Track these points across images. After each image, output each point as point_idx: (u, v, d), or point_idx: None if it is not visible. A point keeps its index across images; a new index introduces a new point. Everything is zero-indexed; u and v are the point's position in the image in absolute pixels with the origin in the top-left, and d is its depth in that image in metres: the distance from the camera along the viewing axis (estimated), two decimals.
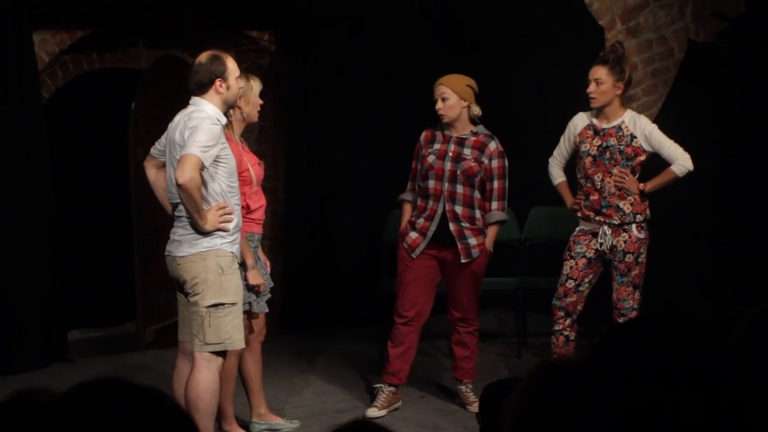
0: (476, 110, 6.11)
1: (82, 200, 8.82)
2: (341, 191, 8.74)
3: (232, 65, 5.19)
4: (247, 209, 5.52)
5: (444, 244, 6.11)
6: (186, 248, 5.07)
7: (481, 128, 6.18)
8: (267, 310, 5.77)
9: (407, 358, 6.24)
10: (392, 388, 6.27)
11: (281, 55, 8.84)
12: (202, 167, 4.93)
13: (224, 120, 5.16)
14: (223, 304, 5.05)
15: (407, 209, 6.30)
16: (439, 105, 6.09)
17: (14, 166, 7.32)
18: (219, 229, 5.05)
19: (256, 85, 5.69)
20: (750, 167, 7.09)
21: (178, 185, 4.89)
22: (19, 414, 1.49)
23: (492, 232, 6.17)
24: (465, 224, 6.09)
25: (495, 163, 6.12)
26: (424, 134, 6.27)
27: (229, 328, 5.07)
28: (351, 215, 8.69)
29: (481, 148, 6.12)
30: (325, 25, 8.63)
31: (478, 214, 6.12)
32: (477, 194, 6.13)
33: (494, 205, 6.15)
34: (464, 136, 6.14)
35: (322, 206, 8.75)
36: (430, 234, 6.12)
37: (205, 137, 4.93)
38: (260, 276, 5.59)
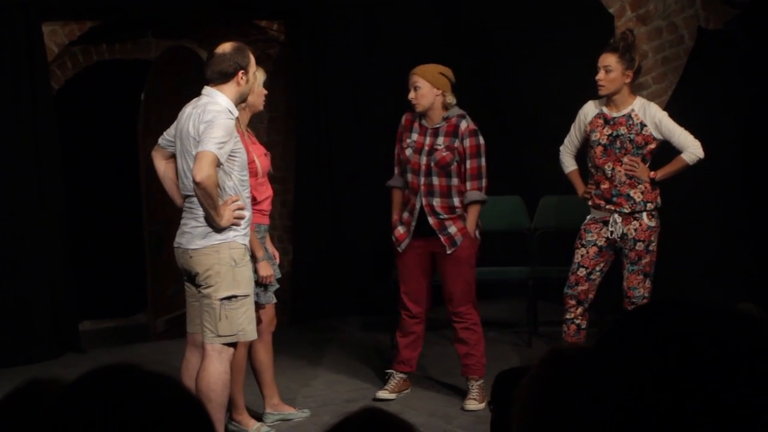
0: (450, 99, 6.03)
1: (93, 191, 8.84)
2: (351, 180, 8.73)
3: (252, 59, 5.21)
4: (253, 200, 5.51)
5: (428, 234, 6.09)
6: (198, 241, 5.05)
7: (453, 110, 6.07)
8: (275, 300, 5.78)
9: (416, 346, 6.34)
10: (403, 375, 6.37)
11: (290, 45, 8.83)
12: (219, 163, 4.92)
13: (236, 113, 5.14)
14: (236, 297, 5.05)
15: (397, 196, 6.27)
16: (412, 94, 6.03)
17: (25, 158, 7.34)
18: (232, 223, 5.05)
19: (260, 75, 5.68)
20: (761, 155, 7.06)
21: (195, 183, 4.85)
22: (28, 403, 1.49)
23: (472, 214, 6.09)
24: (443, 216, 6.04)
25: (467, 143, 6.04)
26: (404, 117, 6.22)
27: (242, 320, 5.07)
28: (361, 204, 8.68)
29: (454, 132, 6.05)
30: (334, 14, 8.62)
31: (456, 201, 6.05)
32: (455, 182, 6.05)
33: (469, 185, 6.06)
34: (438, 125, 6.08)
35: (332, 196, 8.75)
36: (412, 228, 6.12)
37: (221, 132, 4.90)
38: (270, 267, 5.59)
